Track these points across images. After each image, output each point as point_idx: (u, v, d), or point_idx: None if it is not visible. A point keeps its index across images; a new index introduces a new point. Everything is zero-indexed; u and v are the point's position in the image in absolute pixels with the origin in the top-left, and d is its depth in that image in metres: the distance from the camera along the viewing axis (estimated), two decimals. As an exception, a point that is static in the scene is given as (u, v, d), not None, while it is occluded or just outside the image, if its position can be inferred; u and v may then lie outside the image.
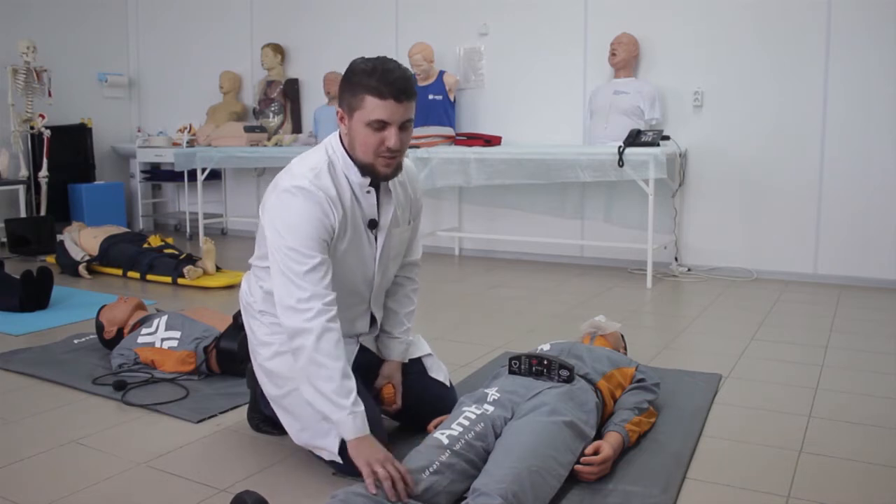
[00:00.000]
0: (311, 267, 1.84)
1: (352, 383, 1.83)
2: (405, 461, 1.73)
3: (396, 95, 1.83)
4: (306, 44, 6.46)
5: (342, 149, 1.97)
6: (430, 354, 2.27)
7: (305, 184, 1.89)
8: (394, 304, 2.24)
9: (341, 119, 1.94)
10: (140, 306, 3.18)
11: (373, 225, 2.02)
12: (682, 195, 4.97)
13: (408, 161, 2.14)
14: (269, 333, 2.05)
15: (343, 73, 1.93)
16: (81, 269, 4.84)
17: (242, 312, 2.16)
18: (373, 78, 1.83)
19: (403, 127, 1.89)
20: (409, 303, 2.27)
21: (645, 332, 3.56)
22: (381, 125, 1.86)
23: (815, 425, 2.33)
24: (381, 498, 1.57)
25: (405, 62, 5.53)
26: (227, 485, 1.94)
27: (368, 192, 1.99)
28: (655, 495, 1.83)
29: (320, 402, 1.82)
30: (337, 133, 2.01)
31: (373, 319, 2.17)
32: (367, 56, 1.93)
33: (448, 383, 2.26)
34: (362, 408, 1.82)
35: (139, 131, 7.35)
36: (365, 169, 1.94)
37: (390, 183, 2.04)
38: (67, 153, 6.59)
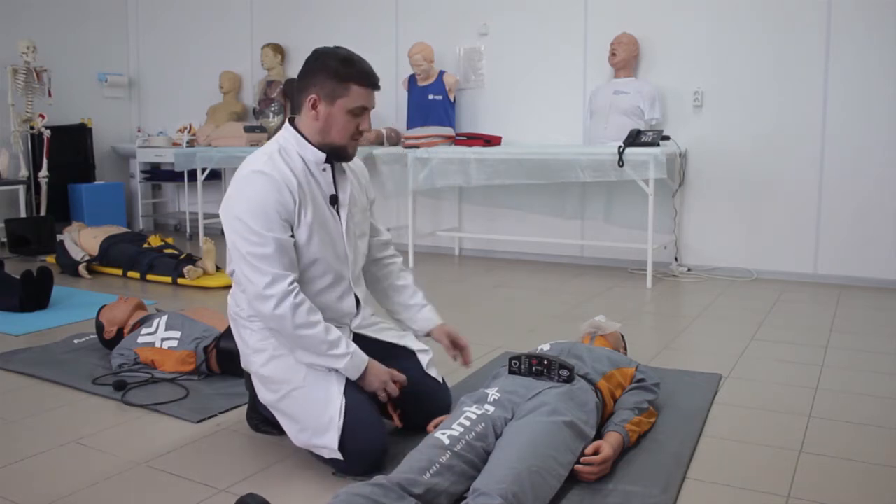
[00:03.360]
0: (272, 249, 1.94)
1: (336, 333, 1.98)
2: (405, 461, 1.73)
3: (375, 84, 2.04)
4: (306, 44, 6.36)
5: (295, 133, 2.07)
6: (426, 350, 2.28)
7: (259, 167, 1.99)
8: (396, 279, 2.34)
9: (314, 105, 2.02)
10: (140, 306, 3.18)
11: (334, 201, 2.10)
12: (682, 195, 4.97)
13: (357, 159, 2.25)
14: (261, 339, 2.07)
15: (309, 62, 2.04)
16: (81, 269, 4.84)
17: (232, 326, 2.17)
18: (353, 68, 2.00)
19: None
20: (407, 275, 2.37)
21: (645, 332, 3.56)
22: (361, 111, 2.02)
23: (815, 425, 2.33)
24: (382, 498, 1.57)
25: (405, 62, 5.55)
26: (227, 485, 1.94)
27: (324, 169, 2.08)
28: (655, 495, 1.84)
29: (320, 361, 1.97)
30: (286, 125, 2.10)
31: (358, 303, 2.19)
32: (363, 54, 2.05)
33: (442, 381, 2.28)
34: (354, 346, 2.01)
35: (139, 131, 7.34)
36: (331, 150, 2.05)
37: (344, 167, 2.16)
38: (67, 153, 6.59)
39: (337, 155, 2.07)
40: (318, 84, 2.00)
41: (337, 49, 2.03)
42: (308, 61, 2.04)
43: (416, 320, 2.32)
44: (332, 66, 1.99)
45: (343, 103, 1.99)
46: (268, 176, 1.97)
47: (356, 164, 2.26)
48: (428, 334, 2.31)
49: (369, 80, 2.00)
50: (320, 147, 2.05)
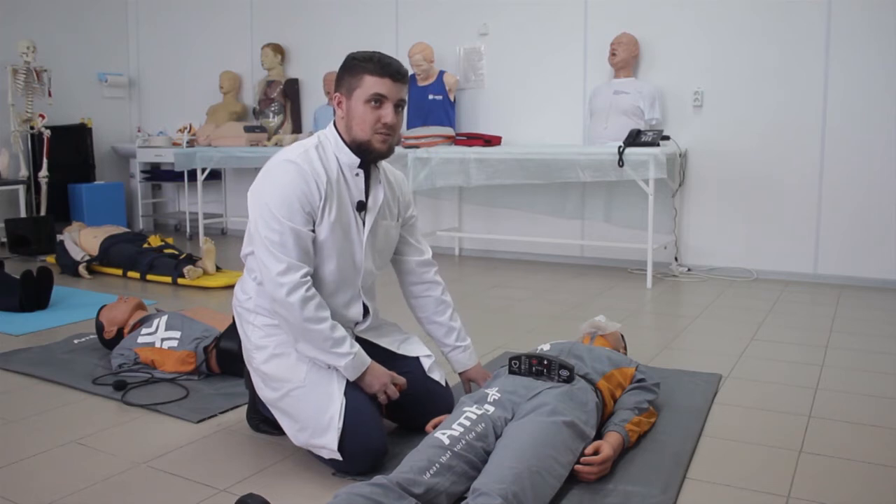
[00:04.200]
0: (289, 238, 1.95)
1: (341, 331, 1.99)
2: (405, 461, 1.73)
3: (393, 75, 2.01)
4: (306, 44, 6.47)
5: (335, 132, 2.09)
6: (429, 355, 2.28)
7: (293, 157, 2.02)
8: (433, 315, 2.33)
9: (339, 103, 2.06)
10: (140, 306, 3.18)
11: (361, 207, 2.09)
12: (682, 195, 4.97)
13: (398, 172, 2.28)
14: (263, 336, 2.07)
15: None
16: (81, 269, 4.84)
17: (236, 319, 2.17)
18: (371, 62, 2.01)
19: (397, 108, 2.04)
20: (446, 306, 2.35)
21: (645, 332, 3.56)
22: (378, 100, 2.00)
23: (815, 425, 2.33)
24: (382, 498, 1.57)
25: (405, 62, 5.54)
26: (227, 485, 1.94)
27: (357, 174, 2.08)
28: (655, 495, 1.83)
29: (321, 357, 1.98)
30: (332, 122, 2.11)
31: (366, 309, 2.19)
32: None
33: (445, 383, 2.27)
34: (357, 346, 2.02)
35: (139, 131, 7.35)
36: (360, 148, 2.05)
37: (381, 175, 2.15)
38: (67, 153, 6.59)
39: (365, 153, 2.05)
40: (341, 82, 2.06)
41: (365, 51, 2.05)
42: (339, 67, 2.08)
43: (448, 359, 2.35)
44: (350, 63, 2.04)
45: (358, 94, 2.00)
46: (298, 167, 1.98)
47: (396, 177, 2.26)
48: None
49: (383, 70, 1.99)
50: (352, 149, 2.05)
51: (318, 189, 1.99)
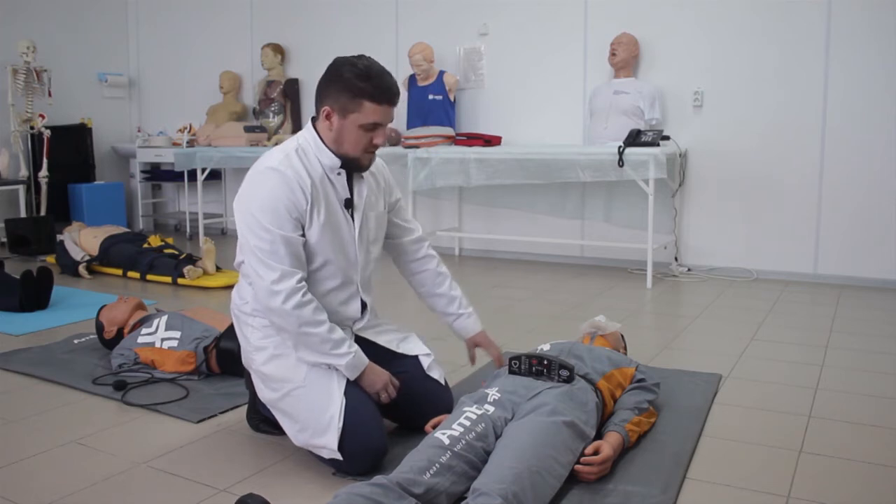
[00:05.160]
0: (280, 246, 1.94)
1: (339, 333, 2.00)
2: (405, 461, 1.73)
3: (391, 100, 2.00)
4: (306, 44, 6.46)
5: (315, 135, 2.06)
6: (428, 354, 2.28)
7: (275, 164, 2.00)
8: (433, 287, 2.36)
9: (327, 116, 2.02)
10: (140, 306, 3.18)
11: (348, 204, 2.09)
12: (682, 195, 4.97)
13: (378, 159, 2.25)
14: (262, 337, 2.07)
15: (327, 72, 2.03)
16: (81, 269, 4.84)
17: (235, 323, 2.17)
18: (369, 83, 1.96)
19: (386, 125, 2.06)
20: (444, 277, 2.38)
21: (645, 332, 3.56)
22: (374, 127, 2.00)
23: (815, 425, 2.33)
24: (382, 498, 1.57)
25: (405, 62, 5.55)
26: (227, 485, 1.94)
27: (339, 174, 2.07)
28: (655, 495, 1.84)
29: (321, 360, 1.98)
30: (309, 125, 2.09)
31: (363, 306, 2.19)
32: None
33: (444, 382, 2.27)
34: (356, 346, 2.03)
35: (139, 131, 7.34)
36: (345, 161, 2.05)
37: None
38: (67, 153, 6.59)
39: (351, 165, 2.06)
40: (333, 96, 2.00)
41: (357, 59, 1.99)
42: (327, 69, 2.02)
43: (453, 328, 2.37)
44: (348, 79, 1.96)
45: (355, 118, 1.98)
46: (281, 174, 1.97)
47: (377, 165, 2.24)
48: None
49: (383, 97, 1.97)
50: (335, 154, 2.04)
51: (303, 194, 1.98)
